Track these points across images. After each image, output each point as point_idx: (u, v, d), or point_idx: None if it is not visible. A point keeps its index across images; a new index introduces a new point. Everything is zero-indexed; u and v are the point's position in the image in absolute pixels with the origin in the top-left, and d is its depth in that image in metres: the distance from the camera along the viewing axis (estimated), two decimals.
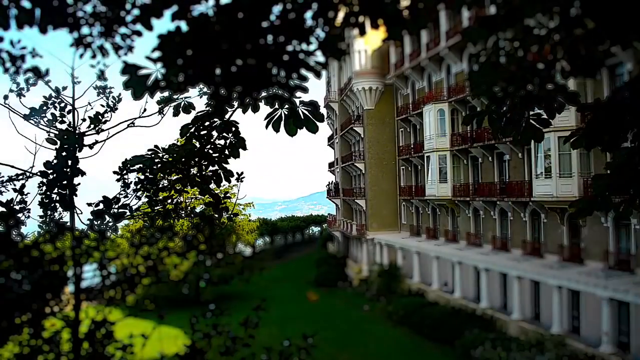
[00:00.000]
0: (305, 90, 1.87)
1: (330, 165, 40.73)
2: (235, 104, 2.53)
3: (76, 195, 2.72)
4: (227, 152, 3.04)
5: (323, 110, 42.46)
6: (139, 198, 3.11)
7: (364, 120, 29.74)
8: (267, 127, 2.61)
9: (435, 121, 22.46)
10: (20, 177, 2.99)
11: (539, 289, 15.79)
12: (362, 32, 1.54)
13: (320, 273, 30.20)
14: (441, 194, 22.30)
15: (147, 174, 3.09)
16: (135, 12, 1.63)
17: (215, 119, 2.78)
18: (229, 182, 3.33)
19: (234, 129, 2.84)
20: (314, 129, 2.58)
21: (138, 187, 3.09)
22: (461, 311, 17.95)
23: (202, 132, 2.80)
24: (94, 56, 1.65)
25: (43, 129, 3.04)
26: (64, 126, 3.05)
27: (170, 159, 3.10)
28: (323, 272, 30.07)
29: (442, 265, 21.94)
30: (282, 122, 2.56)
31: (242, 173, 3.56)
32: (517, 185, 17.81)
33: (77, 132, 2.99)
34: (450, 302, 19.80)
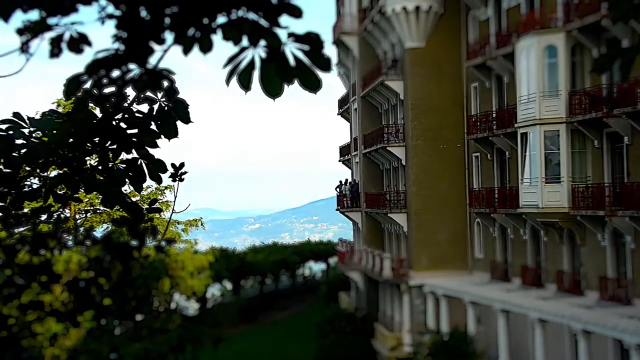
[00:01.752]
0: (296, 12, 1.83)
1: (343, 151, 41.27)
2: (169, 38, 2.51)
3: None
4: (154, 126, 3.04)
5: (331, 51, 43.47)
6: None
7: (406, 69, 29.86)
8: (228, 81, 2.56)
9: (540, 68, 22.32)
10: None
11: None
12: None
13: (325, 348, 30.16)
14: (550, 203, 22.18)
15: (0, 167, 3.08)
16: None
17: (132, 66, 2.76)
18: (159, 182, 3.35)
19: (166, 84, 2.82)
20: (313, 84, 2.51)
21: None
22: None
23: (107, 90, 2.78)
24: None
25: None
26: None
27: (45, 139, 3.10)
28: (331, 347, 30.05)
29: (554, 337, 21.97)
30: (257, 73, 2.53)
31: (182, 166, 3.57)
32: None
33: None
34: None
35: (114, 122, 2.93)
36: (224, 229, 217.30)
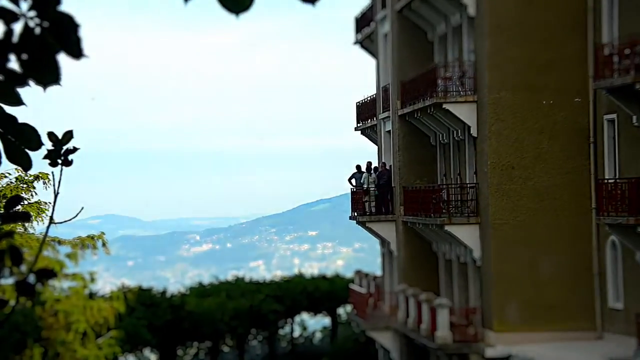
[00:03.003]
0: None
1: (365, 112, 42.09)
2: None
3: None
4: (16, 64, 3.02)
5: None
6: None
7: None
8: None
9: None
10: None
11: None
12: None
13: None
14: None
15: None
16: None
17: None
18: (27, 166, 3.37)
19: None
20: None
21: None
22: None
23: None
24: None
25: None
26: None
27: None
28: None
29: None
30: None
31: (69, 137, 3.54)
32: None
33: None
34: None
35: None
36: (146, 252, 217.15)
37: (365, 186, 36.31)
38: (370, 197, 36.07)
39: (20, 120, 3.27)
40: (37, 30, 2.90)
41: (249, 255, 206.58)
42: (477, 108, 30.13)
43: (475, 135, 30.43)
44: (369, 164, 37.39)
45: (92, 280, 33.65)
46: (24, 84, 3.05)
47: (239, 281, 53.58)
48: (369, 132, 41.01)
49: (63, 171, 3.64)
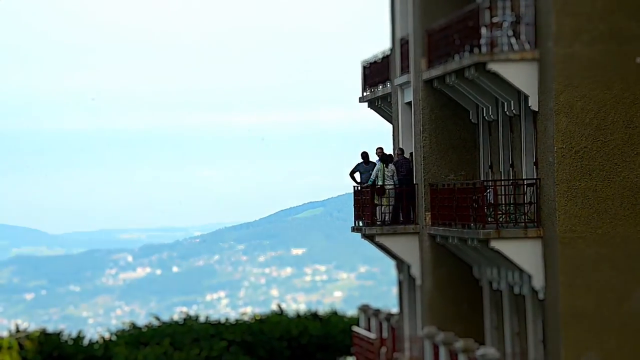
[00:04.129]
0: None
1: (374, 74, 43.67)
2: None
3: None
4: None
5: None
6: None
7: None
8: None
9: None
10: None
11: None
12: None
13: None
14: None
15: None
16: None
17: None
18: None
19: None
20: None
21: None
22: None
23: None
24: None
25: None
26: None
27: None
28: None
29: None
30: None
31: None
32: None
33: None
34: None
35: None
36: (53, 280, 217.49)
37: (379, 183, 36.21)
38: (384, 200, 35.69)
39: None
40: None
41: (205, 283, 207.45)
42: (538, 69, 29.80)
43: (536, 109, 30.03)
44: (380, 150, 37.31)
45: None
46: None
47: (189, 322, 53.69)
48: (380, 105, 41.08)
49: None
